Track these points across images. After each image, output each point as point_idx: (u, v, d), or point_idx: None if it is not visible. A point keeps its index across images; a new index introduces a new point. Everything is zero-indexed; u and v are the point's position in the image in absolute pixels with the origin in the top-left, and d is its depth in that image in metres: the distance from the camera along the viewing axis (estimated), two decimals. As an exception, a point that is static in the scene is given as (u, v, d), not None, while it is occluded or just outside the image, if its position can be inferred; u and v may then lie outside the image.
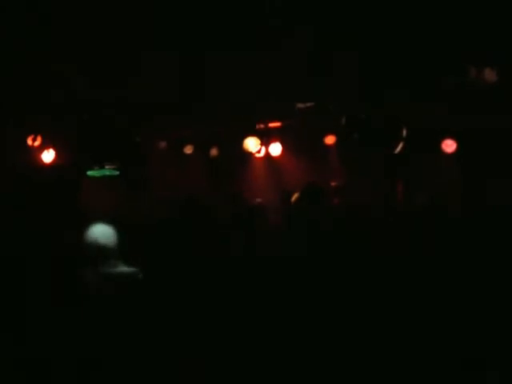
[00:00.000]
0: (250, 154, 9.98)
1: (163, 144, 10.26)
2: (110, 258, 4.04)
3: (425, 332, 4.42)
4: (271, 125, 9.77)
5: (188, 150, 10.28)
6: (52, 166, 9.26)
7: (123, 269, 4.10)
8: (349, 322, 4.48)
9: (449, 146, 8.90)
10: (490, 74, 6.27)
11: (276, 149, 9.83)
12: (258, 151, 9.78)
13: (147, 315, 3.98)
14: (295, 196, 6.95)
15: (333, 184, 8.29)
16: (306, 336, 4.43)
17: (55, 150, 9.34)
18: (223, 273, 5.02)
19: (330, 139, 9.64)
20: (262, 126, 9.66)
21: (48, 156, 9.32)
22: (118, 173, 8.20)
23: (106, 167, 8.05)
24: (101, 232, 4.09)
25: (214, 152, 10.20)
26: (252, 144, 9.56)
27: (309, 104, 8.27)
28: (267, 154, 9.92)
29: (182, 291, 4.77)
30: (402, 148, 7.66)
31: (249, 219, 6.40)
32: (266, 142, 9.79)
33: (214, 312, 4.65)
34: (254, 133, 9.62)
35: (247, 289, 4.84)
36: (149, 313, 4.00)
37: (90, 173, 8.00)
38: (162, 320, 4.15)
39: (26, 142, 9.07)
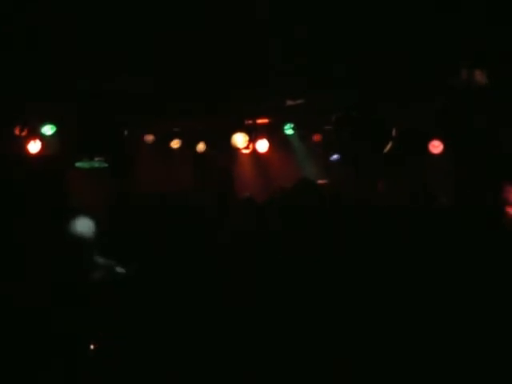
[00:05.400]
0: (237, 150, 10.01)
1: (150, 138, 10.23)
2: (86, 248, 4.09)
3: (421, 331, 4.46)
4: (259, 121, 9.80)
5: (175, 144, 10.27)
6: (39, 156, 9.18)
7: (99, 260, 4.16)
8: (343, 319, 4.50)
9: (436, 147, 9.00)
10: (480, 76, 6.35)
11: (263, 145, 9.86)
12: (246, 147, 9.81)
13: (140, 312, 3.98)
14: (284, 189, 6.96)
15: (319, 182, 8.33)
16: (304, 335, 4.44)
17: (42, 140, 9.28)
18: (210, 269, 5.01)
19: (317, 137, 9.70)
20: (250, 121, 9.68)
21: (34, 146, 9.24)
22: (106, 165, 8.18)
23: (96, 159, 8.03)
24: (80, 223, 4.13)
25: (200, 147, 10.20)
26: (240, 140, 9.57)
27: (298, 101, 8.30)
28: (254, 150, 9.96)
29: (167, 286, 4.76)
30: (391, 147, 7.72)
31: (239, 214, 6.39)
32: (253, 138, 9.82)
33: (205, 309, 4.63)
34: (242, 128, 9.64)
35: (239, 286, 4.82)
36: (141, 310, 4.00)
37: (78, 164, 7.97)
38: (154, 318, 4.14)
39: (12, 131, 8.99)
